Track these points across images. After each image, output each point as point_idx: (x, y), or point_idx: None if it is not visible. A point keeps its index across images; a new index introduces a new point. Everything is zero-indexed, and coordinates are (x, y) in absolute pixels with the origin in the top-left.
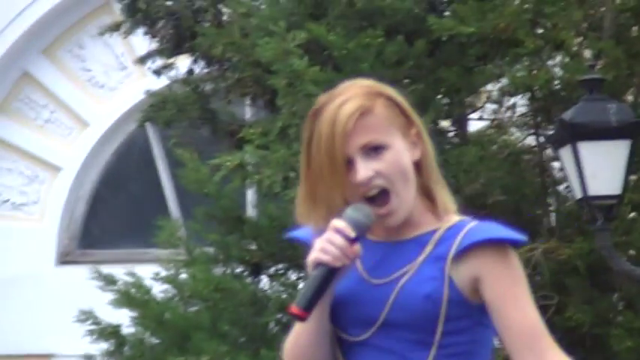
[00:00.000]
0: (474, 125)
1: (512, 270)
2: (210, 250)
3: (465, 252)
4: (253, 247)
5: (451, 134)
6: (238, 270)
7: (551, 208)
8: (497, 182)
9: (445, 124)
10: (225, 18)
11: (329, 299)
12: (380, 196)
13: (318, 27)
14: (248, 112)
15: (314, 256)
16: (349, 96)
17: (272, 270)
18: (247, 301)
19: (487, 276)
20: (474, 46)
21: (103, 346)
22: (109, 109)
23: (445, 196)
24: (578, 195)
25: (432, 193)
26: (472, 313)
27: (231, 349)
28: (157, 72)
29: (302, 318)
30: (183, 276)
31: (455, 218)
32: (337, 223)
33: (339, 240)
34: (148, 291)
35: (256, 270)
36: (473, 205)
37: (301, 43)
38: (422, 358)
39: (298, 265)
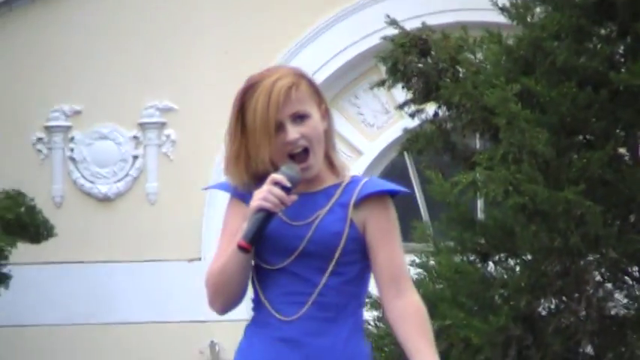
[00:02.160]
0: None
1: (389, 218)
2: (451, 243)
3: (361, 201)
4: (482, 241)
5: (626, 158)
6: (471, 258)
7: None
8: None
9: (622, 150)
10: (460, 75)
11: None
12: (301, 154)
13: (528, 80)
14: (478, 144)
15: (257, 203)
16: (281, 75)
17: (496, 258)
18: (478, 280)
19: (370, 220)
20: None
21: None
22: (377, 143)
23: (340, 159)
24: None
25: (331, 156)
26: (361, 250)
27: (467, 316)
28: (412, 115)
29: (248, 250)
30: (432, 262)
31: (350, 174)
32: (275, 176)
33: (278, 191)
34: None
35: (484, 258)
36: None
37: (516, 92)
38: (319, 278)
39: (515, 254)
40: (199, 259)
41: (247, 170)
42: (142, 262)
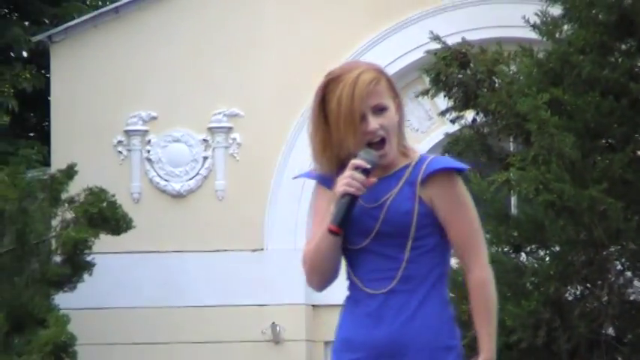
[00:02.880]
0: None
1: (456, 193)
2: (487, 236)
3: (427, 178)
4: (515, 233)
5: None
6: (505, 249)
7: None
8: None
9: None
10: (496, 85)
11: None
12: (379, 143)
13: (557, 90)
14: (511, 147)
15: (342, 188)
16: (363, 69)
17: (527, 249)
18: (511, 269)
19: (438, 197)
20: None
21: None
22: (421, 146)
23: (410, 145)
24: None
25: (404, 144)
26: (435, 223)
27: (502, 301)
28: (452, 121)
29: (338, 234)
30: None
31: (418, 154)
32: (356, 161)
33: (360, 175)
34: None
35: (517, 249)
36: None
37: (546, 101)
38: (402, 255)
39: (545, 245)
40: (262, 249)
41: (334, 158)
42: (211, 252)
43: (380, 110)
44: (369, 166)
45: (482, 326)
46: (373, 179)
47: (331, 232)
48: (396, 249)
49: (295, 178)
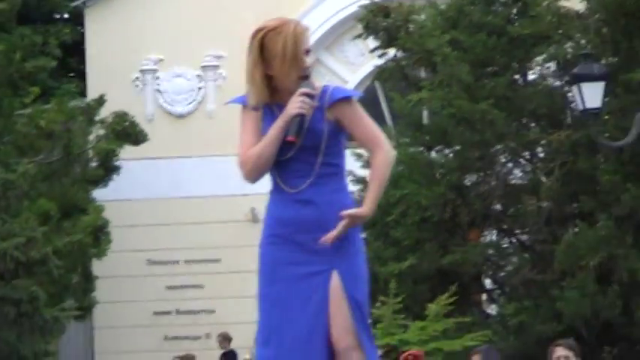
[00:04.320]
0: None
1: (355, 108)
2: (407, 139)
3: (331, 105)
4: (427, 138)
5: (520, 82)
6: (420, 149)
7: None
8: None
9: (517, 77)
10: (410, 29)
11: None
12: (307, 76)
13: (455, 32)
14: (423, 74)
15: (296, 110)
16: (296, 23)
17: (436, 149)
18: (425, 163)
19: (346, 116)
20: None
21: None
22: (357, 75)
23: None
24: None
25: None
26: (339, 136)
27: (418, 187)
28: (379, 56)
29: (295, 143)
30: (394, 153)
31: (321, 85)
32: (304, 90)
33: (310, 100)
34: None
35: (429, 149)
36: None
37: (447, 40)
38: (315, 161)
39: (450, 146)
40: None
41: (267, 91)
42: (204, 157)
43: (308, 52)
44: (315, 92)
45: (373, 191)
46: (315, 102)
47: (291, 142)
48: (312, 157)
49: (228, 103)
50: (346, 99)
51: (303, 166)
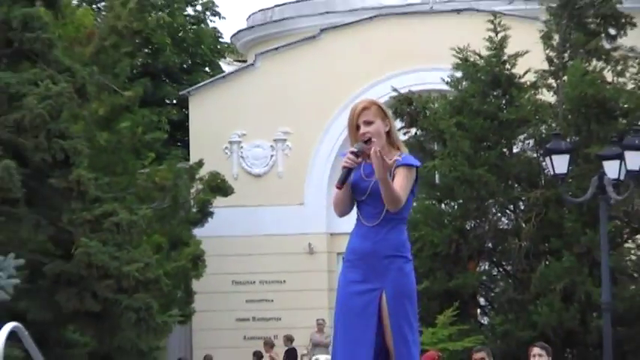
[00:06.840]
0: None
1: (406, 173)
2: (423, 195)
3: (397, 167)
4: (438, 193)
5: (507, 153)
6: (433, 202)
7: None
8: None
9: (505, 150)
10: (427, 114)
11: (349, 183)
12: (368, 140)
13: (460, 117)
14: (436, 147)
15: (342, 164)
16: (362, 102)
17: (445, 202)
18: (436, 212)
19: (397, 172)
20: None
21: None
22: None
23: (402, 145)
24: None
25: (397, 144)
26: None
27: (431, 230)
28: (404, 134)
29: (340, 189)
30: (415, 205)
31: (403, 153)
32: (351, 149)
33: (352, 156)
34: None
35: (440, 202)
36: None
37: (454, 123)
38: (382, 207)
39: (454, 200)
40: (302, 203)
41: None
42: (273, 206)
43: (368, 123)
44: (355, 150)
45: (388, 181)
46: (360, 160)
47: (337, 188)
48: (380, 204)
49: (343, 154)
50: (404, 165)
51: (372, 209)
